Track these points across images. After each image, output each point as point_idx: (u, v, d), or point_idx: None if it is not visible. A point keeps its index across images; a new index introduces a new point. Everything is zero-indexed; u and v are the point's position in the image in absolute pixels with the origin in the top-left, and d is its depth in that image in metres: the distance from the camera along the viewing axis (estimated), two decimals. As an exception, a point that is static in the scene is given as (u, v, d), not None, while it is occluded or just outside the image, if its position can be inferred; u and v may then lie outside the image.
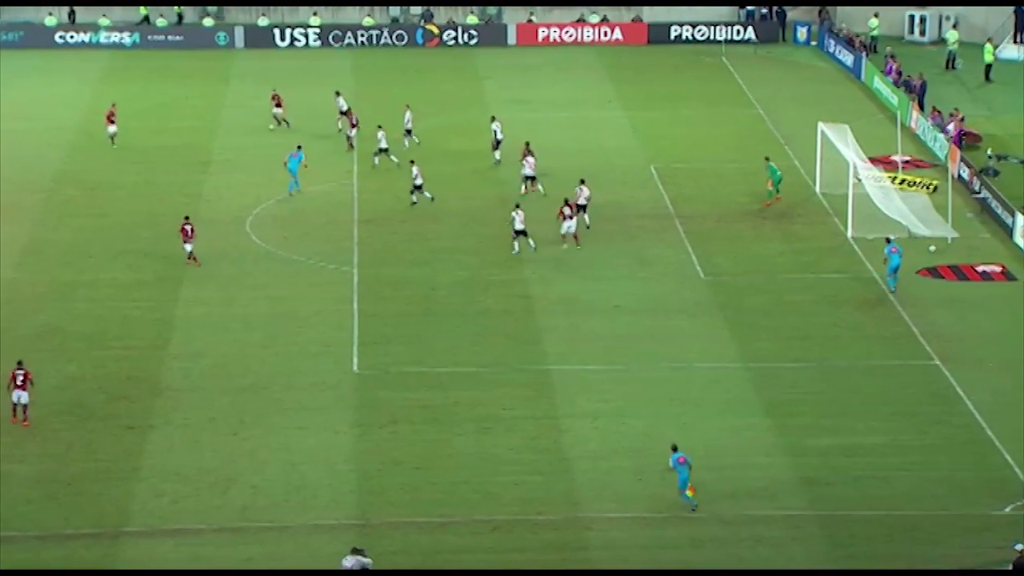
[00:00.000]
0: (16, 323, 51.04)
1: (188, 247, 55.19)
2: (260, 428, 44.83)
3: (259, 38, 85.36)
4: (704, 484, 41.75)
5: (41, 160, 66.23)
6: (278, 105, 70.51)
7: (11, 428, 44.41)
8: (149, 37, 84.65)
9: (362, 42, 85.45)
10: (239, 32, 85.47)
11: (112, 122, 66.55)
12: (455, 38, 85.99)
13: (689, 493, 40.62)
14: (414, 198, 60.98)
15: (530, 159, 62.73)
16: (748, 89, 77.86)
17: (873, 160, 62.53)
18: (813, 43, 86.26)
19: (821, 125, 62.56)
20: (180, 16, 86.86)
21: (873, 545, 39.61)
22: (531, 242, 56.58)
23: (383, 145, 64.16)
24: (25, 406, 44.26)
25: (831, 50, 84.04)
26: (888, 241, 54.03)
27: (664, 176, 65.58)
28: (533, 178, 62.68)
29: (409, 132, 67.84)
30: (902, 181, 62.32)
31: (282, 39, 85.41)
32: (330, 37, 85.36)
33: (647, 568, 38.52)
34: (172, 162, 66.42)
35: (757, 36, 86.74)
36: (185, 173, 65.13)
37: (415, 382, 47.74)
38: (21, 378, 44.16)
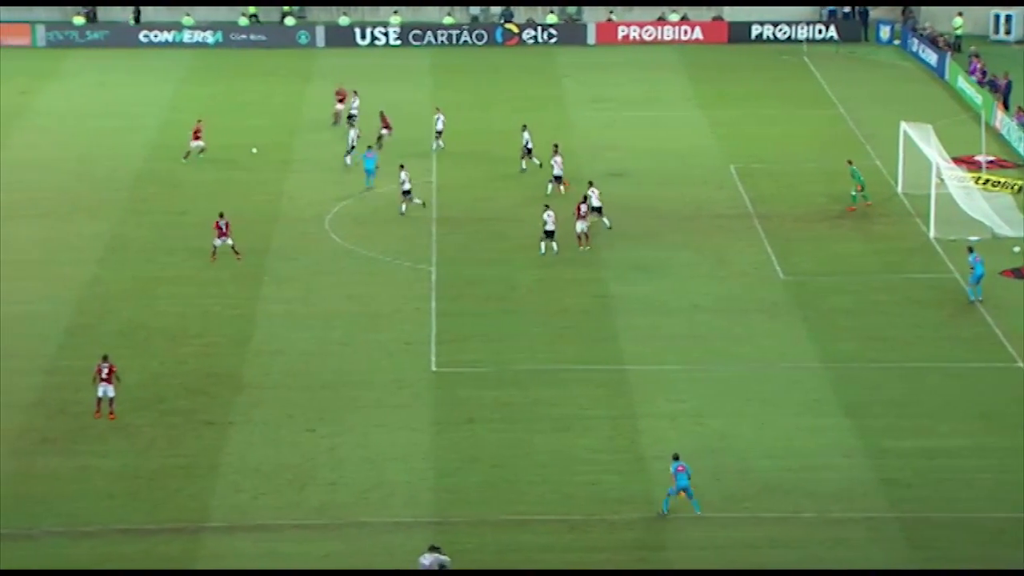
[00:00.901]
0: (101, 319, 51.60)
1: (219, 242, 54.98)
2: (338, 425, 45.05)
3: (340, 37, 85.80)
4: (783, 484, 41.62)
5: (125, 158, 66.91)
6: (341, 101, 70.72)
7: (94, 423, 44.92)
8: (231, 36, 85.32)
9: (442, 41, 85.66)
10: (320, 31, 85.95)
11: (198, 138, 65.57)
12: (534, 37, 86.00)
13: (676, 499, 40.26)
14: (403, 207, 59.87)
15: (558, 159, 62.43)
16: (829, 89, 77.30)
17: (956, 160, 61.93)
18: (896, 42, 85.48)
19: (903, 125, 62.00)
20: (255, 16, 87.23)
21: (954, 548, 39.22)
22: (554, 246, 56.17)
23: (406, 187, 59.99)
24: (111, 399, 44.74)
25: (914, 49, 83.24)
26: (970, 251, 53.29)
27: (743, 176, 65.25)
28: (559, 178, 62.28)
29: (439, 135, 67.70)
30: (986, 181, 61.65)
31: (362, 38, 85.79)
32: (410, 36, 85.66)
33: (725, 569, 38.36)
34: (253, 160, 66.88)
35: (839, 35, 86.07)
36: (265, 171, 65.57)
37: (493, 381, 47.78)
38: (106, 371, 44.64)
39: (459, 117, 70.42)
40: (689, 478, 40.51)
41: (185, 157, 64.80)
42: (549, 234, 56.46)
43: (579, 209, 57.24)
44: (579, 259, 56.67)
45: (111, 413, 44.64)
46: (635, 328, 51.22)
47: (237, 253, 55.05)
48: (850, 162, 62.35)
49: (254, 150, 60.47)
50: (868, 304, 53.00)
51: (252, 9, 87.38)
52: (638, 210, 61.50)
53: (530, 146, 65.27)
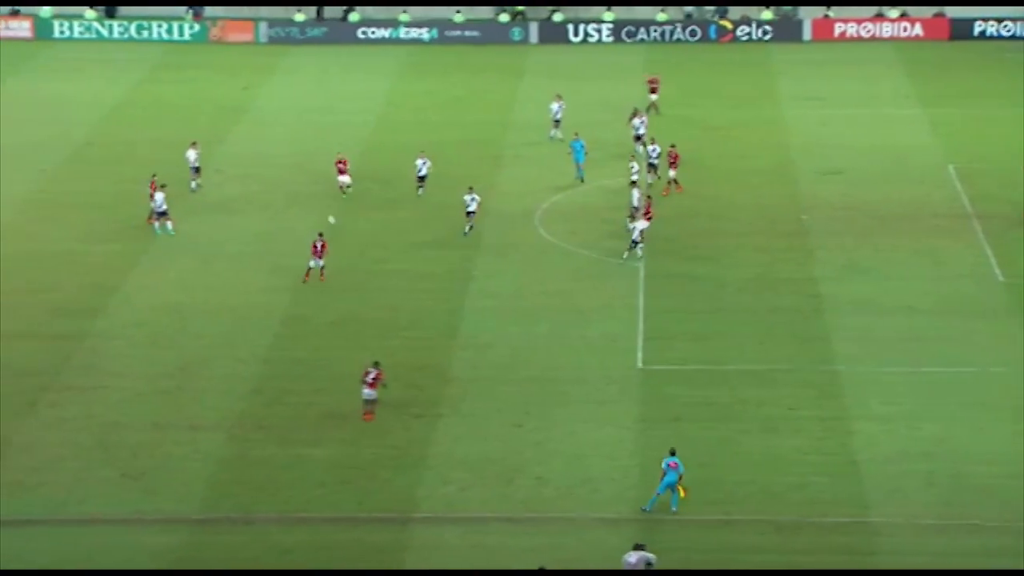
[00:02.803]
0: (315, 311, 52.58)
1: (313, 263, 53.85)
2: (545, 420, 45.19)
3: (553, 33, 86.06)
4: (1000, 492, 40.63)
5: (342, 153, 68.04)
6: (653, 91, 70.28)
7: (308, 412, 45.74)
8: (446, 33, 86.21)
9: (655, 38, 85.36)
10: (533, 28, 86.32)
11: (343, 172, 62.63)
12: (749, 34, 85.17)
13: (657, 495, 39.83)
14: (420, 191, 61.08)
15: (640, 120, 63.98)
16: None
17: None
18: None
19: None
20: (521, 14, 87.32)
21: None
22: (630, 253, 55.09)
23: (471, 208, 58.17)
24: (372, 401, 44.88)
25: None
26: None
27: (962, 175, 63.74)
28: (639, 137, 63.99)
29: (557, 123, 67.33)
30: None
31: (575, 35, 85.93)
32: (623, 33, 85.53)
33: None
34: (465, 156, 67.49)
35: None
36: (477, 167, 66.11)
37: (700, 379, 47.46)
38: (372, 377, 44.83)
39: (671, 115, 70.02)
40: (680, 477, 39.77)
41: (343, 192, 62.55)
42: (636, 243, 54.93)
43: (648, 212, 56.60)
44: (791, 258, 55.96)
45: (369, 414, 44.93)
46: (848, 329, 50.40)
47: (322, 274, 53.90)
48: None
49: (331, 220, 59.20)
50: (1091, 308, 51.44)
51: (519, 8, 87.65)
52: (853, 209, 60.51)
53: (558, 117, 67.31)
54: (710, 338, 50.10)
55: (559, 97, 68.89)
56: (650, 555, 36.81)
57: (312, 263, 54.42)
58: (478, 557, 38.86)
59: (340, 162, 62.88)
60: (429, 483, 42.10)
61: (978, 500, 40.59)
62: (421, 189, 61.76)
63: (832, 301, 52.50)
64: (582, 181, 61.84)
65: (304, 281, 54.14)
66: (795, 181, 63.32)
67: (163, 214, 57.95)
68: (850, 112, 72.38)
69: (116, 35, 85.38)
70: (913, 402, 45.62)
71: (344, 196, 62.13)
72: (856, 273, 54.73)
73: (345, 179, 62.56)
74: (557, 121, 68.16)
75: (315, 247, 54.38)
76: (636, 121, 65.96)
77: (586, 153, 63.12)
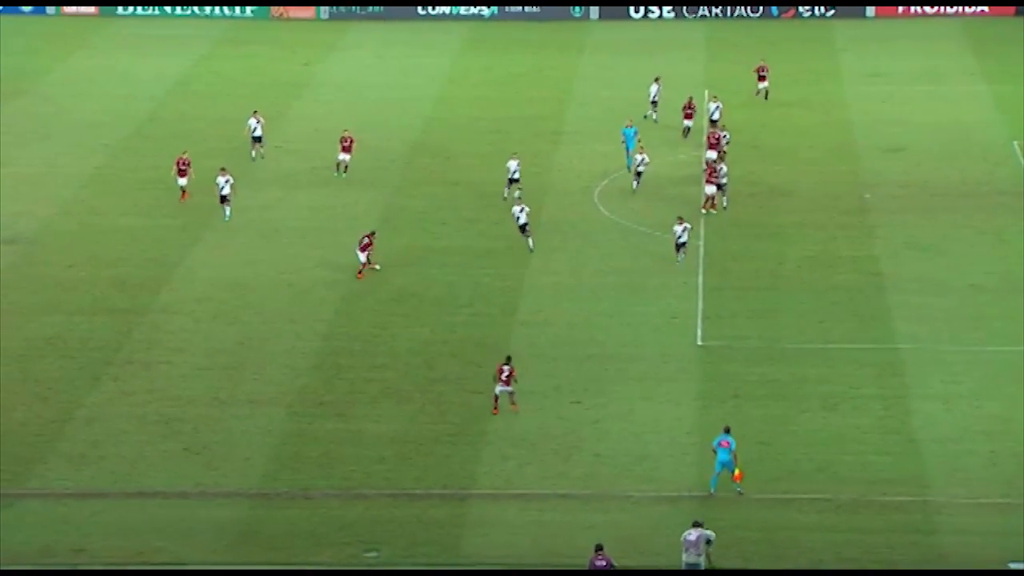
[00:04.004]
0: (375, 287, 52.73)
1: (363, 257, 52.68)
2: (603, 397, 45.18)
3: (614, 10, 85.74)
4: (1061, 473, 40.35)
5: (401, 129, 68.19)
6: (762, 79, 69.01)
7: (368, 388, 45.93)
8: (506, 9, 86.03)
9: (716, 14, 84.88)
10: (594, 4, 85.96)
11: (346, 150, 61.08)
12: (811, 10, 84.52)
13: (735, 478, 39.50)
14: (509, 193, 58.46)
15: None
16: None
17: None
18: None
19: None
20: None
21: None
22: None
23: (514, 176, 58.39)
24: (510, 394, 44.26)
25: None
26: None
27: (1028, 152, 63.22)
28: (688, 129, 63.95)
29: (655, 104, 66.68)
30: None
31: (636, 11, 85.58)
32: (684, 9, 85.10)
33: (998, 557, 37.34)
34: (525, 132, 67.42)
35: None
36: (536, 143, 66.02)
37: (759, 357, 47.30)
38: (507, 374, 44.25)
39: (733, 90, 69.63)
40: (732, 454, 39.45)
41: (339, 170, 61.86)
42: (678, 248, 53.47)
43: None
44: (852, 236, 55.64)
45: (513, 404, 44.26)
46: (909, 307, 50.09)
47: (368, 265, 52.68)
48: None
49: (517, 194, 58.62)
50: None
51: None
52: (915, 186, 60.09)
53: (655, 99, 66.37)
54: (770, 316, 49.92)
55: (657, 79, 68.12)
56: (709, 532, 36.74)
57: (363, 258, 53.33)
58: (536, 533, 38.94)
59: (344, 139, 62.11)
60: (487, 459, 42.20)
61: (1040, 480, 40.32)
62: (508, 191, 58.88)
63: (893, 279, 52.18)
64: (630, 170, 61.55)
65: (358, 278, 53.53)
66: (857, 159, 62.91)
67: (224, 199, 57.69)
68: (913, 89, 71.78)
69: (179, 11, 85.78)
70: (974, 381, 45.30)
71: (339, 176, 61.39)
72: (917, 251, 54.36)
73: (344, 157, 61.63)
74: (654, 102, 67.41)
75: (362, 243, 53.38)
76: (654, 88, 66.10)
77: (638, 140, 62.62)
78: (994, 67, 74.56)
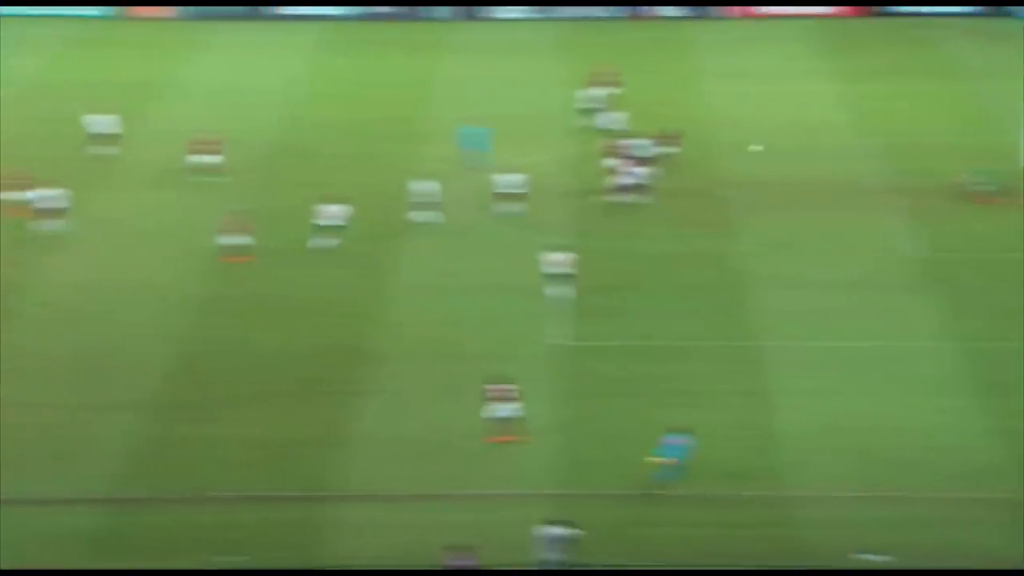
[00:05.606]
0: (235, 290, 52.31)
1: (230, 241, 53.20)
2: (464, 397, 44.76)
3: (470, 10, 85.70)
4: (916, 463, 41.30)
5: (260, 130, 67.62)
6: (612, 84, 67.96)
7: (224, 392, 45.48)
8: (365, 9, 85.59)
9: (571, 15, 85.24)
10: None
11: (202, 152, 60.63)
12: (667, 11, 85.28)
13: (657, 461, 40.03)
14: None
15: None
16: (965, 63, 76.12)
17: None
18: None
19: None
20: None
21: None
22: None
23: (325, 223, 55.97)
24: (509, 420, 42.83)
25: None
26: None
27: (878, 151, 64.53)
28: None
29: (597, 111, 66.94)
30: None
31: (493, 12, 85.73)
32: (540, 10, 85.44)
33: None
34: (384, 133, 67.35)
35: (980, 8, 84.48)
36: (395, 144, 65.96)
37: (620, 355, 47.72)
38: (507, 392, 42.79)
39: (588, 91, 70.16)
40: (683, 453, 40.04)
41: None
42: None
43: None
44: (709, 234, 56.36)
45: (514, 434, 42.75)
46: (767, 303, 50.91)
47: (233, 251, 52.60)
48: (979, 168, 60.59)
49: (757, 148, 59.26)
50: (1002, 282, 52.16)
51: None
52: (771, 185, 61.07)
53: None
54: (630, 314, 50.40)
55: (600, 83, 67.78)
56: (567, 530, 36.88)
57: (228, 241, 53.89)
58: (396, 534, 38.86)
59: (202, 141, 61.05)
60: (348, 461, 42.06)
61: (895, 472, 41.09)
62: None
63: (751, 276, 52.96)
64: (479, 167, 61.60)
65: (225, 260, 53.70)
66: (715, 157, 63.72)
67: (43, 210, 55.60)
68: (768, 89, 72.91)
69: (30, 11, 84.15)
70: (833, 376, 46.14)
71: (198, 178, 60.79)
72: (774, 248, 55.25)
73: (202, 159, 60.79)
74: (596, 110, 66.84)
75: (229, 225, 53.86)
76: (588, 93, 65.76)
77: (488, 139, 62.42)
78: (841, 67, 76.00)
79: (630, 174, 58.28)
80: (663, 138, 61.69)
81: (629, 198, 58.28)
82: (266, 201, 59.71)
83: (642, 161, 59.00)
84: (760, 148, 59.51)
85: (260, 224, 57.12)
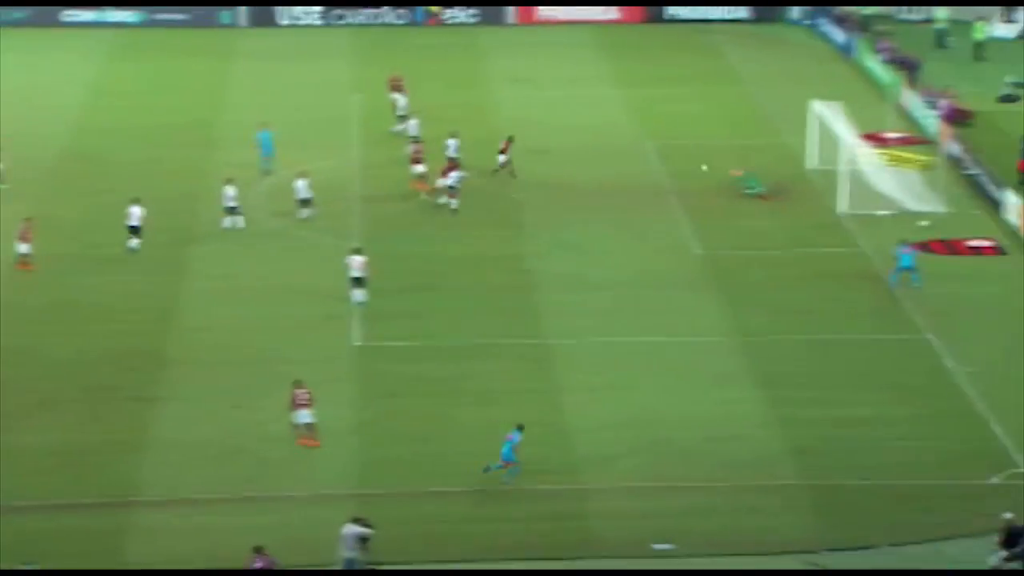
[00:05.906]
0: (28, 296, 51.89)
1: (24, 249, 53.09)
2: (264, 401, 45.41)
3: (262, 16, 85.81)
4: (700, 454, 42.87)
5: (49, 137, 66.87)
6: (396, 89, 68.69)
7: (21, 400, 45.13)
8: (154, 16, 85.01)
9: (362, 21, 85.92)
10: (242, 11, 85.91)
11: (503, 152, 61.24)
12: (455, 17, 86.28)
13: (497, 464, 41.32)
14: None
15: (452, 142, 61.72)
16: (741, 68, 78.59)
17: (865, 137, 63.36)
18: (807, 22, 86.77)
19: (813, 103, 63.33)
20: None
21: (864, 514, 40.53)
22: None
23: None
24: (309, 425, 43.09)
25: (824, 29, 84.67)
26: (902, 244, 53.54)
27: (660, 153, 66.25)
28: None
29: (402, 118, 67.49)
30: (894, 158, 63.11)
31: (284, 18, 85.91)
32: (332, 16, 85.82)
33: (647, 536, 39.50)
34: (177, 139, 67.12)
35: (751, 16, 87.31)
36: (189, 150, 65.84)
37: (416, 355, 48.48)
38: (304, 398, 43.01)
39: (380, 96, 70.94)
40: (513, 451, 41.24)
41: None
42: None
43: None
44: (502, 236, 57.56)
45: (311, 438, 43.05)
46: (556, 303, 52.15)
47: (26, 258, 52.76)
48: (743, 170, 62.39)
49: (704, 167, 61.25)
50: (780, 278, 54.25)
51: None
52: (560, 187, 62.36)
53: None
54: (425, 315, 51.23)
55: (399, 88, 68.22)
56: (366, 529, 37.64)
57: (23, 249, 53.67)
58: (199, 538, 39.23)
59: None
60: (149, 467, 42.21)
61: (681, 462, 42.66)
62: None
63: (541, 277, 54.22)
64: (268, 173, 62.06)
65: (18, 268, 53.34)
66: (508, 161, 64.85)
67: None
68: (554, 93, 74.39)
69: None
70: (617, 372, 47.54)
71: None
72: (563, 249, 56.58)
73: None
74: (402, 116, 67.02)
75: (23, 233, 53.60)
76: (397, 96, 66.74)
77: (274, 144, 62.84)
78: (625, 72, 77.84)
79: (441, 178, 59.10)
80: (506, 145, 62.46)
81: (435, 200, 59.28)
82: (56, 208, 59.20)
83: (451, 164, 59.77)
84: (705, 168, 61.37)
85: (52, 231, 56.73)
